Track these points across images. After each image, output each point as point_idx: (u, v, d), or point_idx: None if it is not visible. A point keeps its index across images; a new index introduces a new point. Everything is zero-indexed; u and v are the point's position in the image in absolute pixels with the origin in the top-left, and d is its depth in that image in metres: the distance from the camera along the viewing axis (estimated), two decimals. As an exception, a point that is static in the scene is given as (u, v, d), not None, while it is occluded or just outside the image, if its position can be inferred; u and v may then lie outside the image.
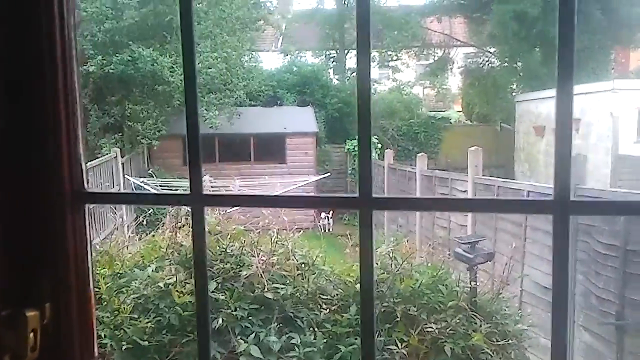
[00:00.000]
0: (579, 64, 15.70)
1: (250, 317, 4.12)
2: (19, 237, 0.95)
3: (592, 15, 17.22)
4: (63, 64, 1.00)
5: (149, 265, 4.37)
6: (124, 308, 3.96)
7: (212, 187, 10.45)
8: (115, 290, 4.11)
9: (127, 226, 11.73)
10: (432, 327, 4.18)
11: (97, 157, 12.05)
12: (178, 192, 11.38)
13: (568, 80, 0.88)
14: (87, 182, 1.05)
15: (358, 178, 0.97)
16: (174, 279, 4.14)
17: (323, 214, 15.96)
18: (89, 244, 1.03)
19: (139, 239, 8.89)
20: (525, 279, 7.69)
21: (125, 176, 12.39)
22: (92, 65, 12.87)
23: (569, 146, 0.90)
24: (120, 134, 13.93)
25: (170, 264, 4.29)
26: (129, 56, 13.10)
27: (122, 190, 12.46)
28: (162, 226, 5.09)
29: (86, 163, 1.08)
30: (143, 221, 11.08)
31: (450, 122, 21.69)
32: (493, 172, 18.21)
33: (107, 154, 12.52)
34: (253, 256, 4.42)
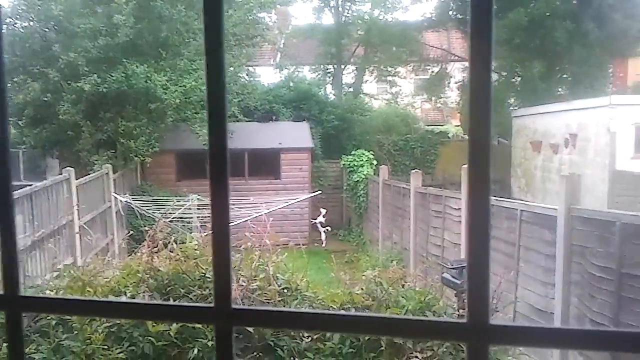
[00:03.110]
0: (576, 79, 15.71)
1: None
2: None
3: (588, 29, 17.18)
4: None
5: (124, 292, 4.23)
6: (96, 337, 3.80)
7: (198, 205, 10.34)
8: (88, 319, 3.96)
9: (117, 245, 11.60)
10: (418, 357, 4.03)
11: (89, 174, 11.93)
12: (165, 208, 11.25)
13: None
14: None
15: (214, 287, 0.81)
16: (149, 307, 4.00)
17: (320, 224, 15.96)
18: None
19: (129, 255, 8.74)
20: (520, 301, 7.52)
21: (113, 194, 12.25)
22: (86, 84, 12.77)
23: (487, 277, 0.74)
24: (113, 150, 13.81)
25: (145, 291, 4.15)
26: (123, 73, 13.01)
27: (113, 208, 12.34)
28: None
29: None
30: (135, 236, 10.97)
31: (448, 137, 21.57)
32: (490, 187, 18.06)
33: (99, 170, 12.41)
34: (233, 282, 4.28)
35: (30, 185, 8.64)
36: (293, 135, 16.94)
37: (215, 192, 0.81)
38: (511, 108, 20.01)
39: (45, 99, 13.45)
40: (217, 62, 0.81)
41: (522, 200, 11.63)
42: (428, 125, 22.96)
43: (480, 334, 0.73)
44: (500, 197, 9.56)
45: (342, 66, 24.37)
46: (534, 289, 7.32)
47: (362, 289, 4.66)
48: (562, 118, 14.90)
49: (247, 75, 18.08)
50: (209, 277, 4.39)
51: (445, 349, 4.16)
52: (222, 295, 0.80)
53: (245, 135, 15.99)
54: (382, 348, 4.11)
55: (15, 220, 0.86)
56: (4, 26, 14.25)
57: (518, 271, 7.61)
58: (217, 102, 0.81)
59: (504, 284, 7.42)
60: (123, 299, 4.13)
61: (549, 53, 17.88)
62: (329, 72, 24.66)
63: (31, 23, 14.32)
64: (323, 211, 16.28)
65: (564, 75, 19.81)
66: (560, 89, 19.62)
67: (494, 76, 21.05)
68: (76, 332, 3.84)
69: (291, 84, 20.00)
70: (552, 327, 0.77)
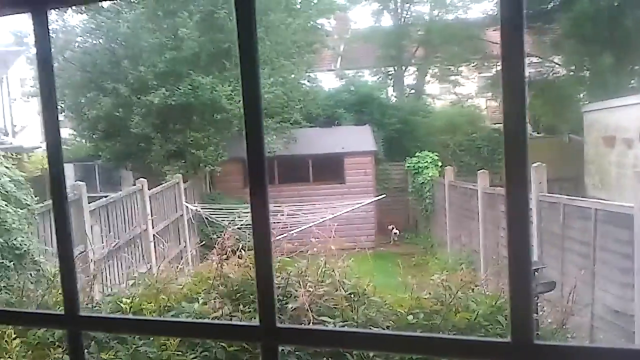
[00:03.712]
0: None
1: (297, 352, 4.01)
2: None
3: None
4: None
5: (196, 298, 4.35)
6: (171, 343, 3.93)
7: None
8: (163, 325, 4.09)
9: (190, 253, 11.94)
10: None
11: (161, 184, 12.35)
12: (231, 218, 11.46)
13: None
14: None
15: (258, 306, 0.82)
16: (220, 313, 4.10)
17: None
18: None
19: (200, 262, 8.97)
20: (597, 303, 7.23)
21: (184, 203, 12.63)
22: (155, 97, 13.23)
23: (530, 292, 0.71)
24: (183, 160, 14.24)
25: (216, 297, 4.25)
26: (189, 85, 13.40)
27: (185, 217, 12.70)
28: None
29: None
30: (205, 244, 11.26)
31: (516, 135, 20.96)
32: (563, 185, 17.42)
33: (170, 180, 12.82)
34: (300, 287, 4.32)
35: (106, 196, 9.04)
36: (356, 139, 16.95)
37: (255, 206, 0.83)
38: (581, 103, 19.27)
39: (117, 113, 14.02)
40: (252, 73, 0.83)
41: (597, 198, 11.16)
42: (494, 124, 22.41)
43: (524, 354, 0.71)
44: (574, 195, 9.23)
45: (403, 68, 24.20)
46: (611, 290, 7.02)
47: (429, 293, 4.61)
48: (636, 111, 14.21)
49: (308, 81, 18.25)
50: (276, 283, 4.45)
51: None
52: (266, 313, 0.81)
53: (309, 141, 16.12)
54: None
55: (73, 241, 0.90)
56: (76, 44, 14.96)
57: (594, 272, 7.32)
58: (254, 113, 0.83)
59: (580, 285, 7.16)
60: (190, 313, 4.25)
61: (619, 44, 17.09)
62: (390, 75, 24.54)
63: (100, 40, 14.97)
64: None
65: (636, 67, 18.90)
66: (632, 81, 18.74)
67: (560, 71, 20.39)
68: (152, 338, 3.99)
69: (352, 88, 19.99)
70: (602, 346, 0.72)
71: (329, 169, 16.73)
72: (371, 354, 4.07)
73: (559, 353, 0.72)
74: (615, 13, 16.35)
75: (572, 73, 19.66)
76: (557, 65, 20.41)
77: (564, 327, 4.32)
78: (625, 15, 16.26)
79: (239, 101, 13.63)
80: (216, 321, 1.10)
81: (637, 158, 13.99)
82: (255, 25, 0.86)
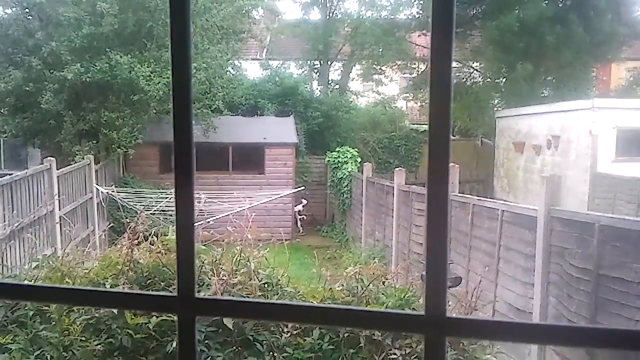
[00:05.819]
0: (560, 81, 15.79)
1: (207, 341, 3.95)
2: None
3: (575, 32, 17.31)
4: None
5: (103, 284, 4.19)
6: (74, 328, 3.77)
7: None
8: (66, 309, 3.92)
9: (98, 236, 11.51)
10: (396, 354, 4.05)
11: (71, 164, 11.81)
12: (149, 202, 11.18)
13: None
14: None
15: (177, 276, 0.80)
16: (128, 299, 3.97)
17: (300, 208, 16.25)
18: None
19: (109, 247, 8.66)
20: (499, 300, 7.59)
21: (95, 185, 12.14)
22: (69, 73, 12.60)
23: (444, 271, 0.74)
24: (95, 141, 13.66)
25: (125, 283, 4.11)
26: (107, 63, 12.86)
27: (94, 199, 12.22)
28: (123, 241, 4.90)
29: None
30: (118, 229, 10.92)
31: (433, 136, 21.63)
32: (473, 186, 18.22)
33: (81, 161, 12.27)
34: (213, 276, 4.26)
35: (10, 174, 8.54)
36: (278, 130, 16.90)
37: (179, 182, 0.80)
38: (495, 109, 20.15)
39: (27, 87, 13.27)
40: (184, 57, 0.80)
41: (504, 200, 11.72)
42: (413, 124, 23.05)
43: (437, 326, 0.74)
44: (483, 197, 9.63)
45: (329, 63, 24.36)
46: (513, 288, 7.40)
47: (342, 285, 4.68)
48: (545, 120, 15.04)
49: (232, 69, 17.98)
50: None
51: (423, 347, 4.19)
52: (185, 284, 0.79)
53: (230, 129, 15.92)
54: (361, 345, 4.13)
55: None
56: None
57: (498, 270, 7.68)
58: (183, 98, 0.80)
59: (484, 282, 7.49)
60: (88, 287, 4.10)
61: (536, 55, 18.00)
62: (315, 69, 24.63)
63: (14, 10, 14.10)
64: (304, 201, 16.50)
65: (549, 77, 19.97)
66: (544, 91, 19.78)
67: (478, 77, 21.22)
68: (54, 323, 3.81)
69: (277, 79, 19.90)
70: (506, 321, 0.78)
71: (249, 158, 16.60)
72: (282, 342, 4.08)
73: (468, 326, 0.75)
74: (537, 27, 17.17)
75: (489, 79, 20.50)
76: (475, 71, 21.21)
77: (468, 321, 4.49)
78: (545, 30, 17.11)
79: (158, 83, 13.32)
80: (132, 291, 1.05)
81: (544, 164, 14.82)
82: (190, 9, 0.83)
